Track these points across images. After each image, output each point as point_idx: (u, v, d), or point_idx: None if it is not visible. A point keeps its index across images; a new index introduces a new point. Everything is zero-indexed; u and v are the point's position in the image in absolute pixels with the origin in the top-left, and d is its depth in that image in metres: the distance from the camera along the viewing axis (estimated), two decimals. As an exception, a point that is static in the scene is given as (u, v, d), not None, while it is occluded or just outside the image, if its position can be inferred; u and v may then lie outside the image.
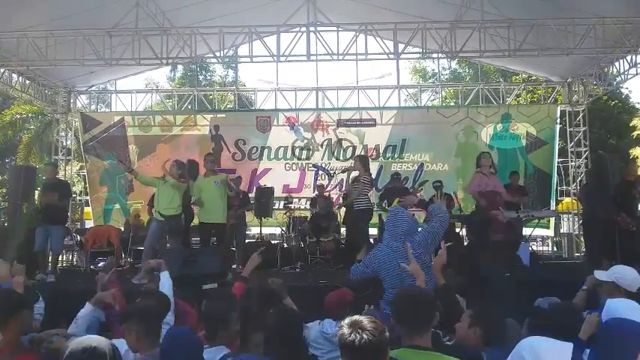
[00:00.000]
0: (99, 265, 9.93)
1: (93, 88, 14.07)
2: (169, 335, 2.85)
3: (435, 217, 4.58)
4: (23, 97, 12.48)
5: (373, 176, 12.38)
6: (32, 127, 20.17)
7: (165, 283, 4.13)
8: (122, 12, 9.26)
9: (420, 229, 4.66)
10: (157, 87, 21.18)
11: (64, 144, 13.85)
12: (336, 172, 12.33)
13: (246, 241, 10.34)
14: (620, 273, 3.68)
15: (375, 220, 9.94)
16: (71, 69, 11.40)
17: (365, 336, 2.12)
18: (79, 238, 11.02)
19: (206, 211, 8.13)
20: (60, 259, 9.77)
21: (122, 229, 11.01)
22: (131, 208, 12.35)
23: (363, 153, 12.48)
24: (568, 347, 2.44)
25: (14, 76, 11.52)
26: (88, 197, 13.34)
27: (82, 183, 13.82)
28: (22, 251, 7.86)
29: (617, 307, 2.90)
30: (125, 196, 12.92)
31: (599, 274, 3.81)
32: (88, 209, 13.58)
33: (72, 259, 11.43)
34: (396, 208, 4.73)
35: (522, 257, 8.17)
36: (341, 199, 10.87)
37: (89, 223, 13.00)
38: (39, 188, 8.85)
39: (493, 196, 7.92)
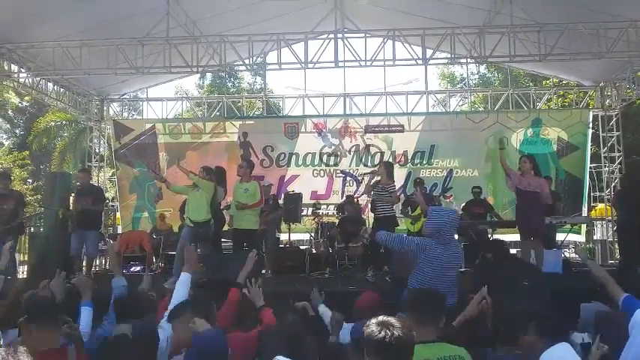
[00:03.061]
0: (131, 269, 10.10)
1: (125, 96, 14.36)
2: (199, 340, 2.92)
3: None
4: (58, 105, 12.83)
5: (402, 182, 12.46)
6: (66, 134, 20.66)
7: (182, 284, 4.00)
8: (153, 21, 9.45)
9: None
10: (187, 94, 21.49)
11: (97, 151, 14.17)
12: (364, 177, 12.31)
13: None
14: None
15: (402, 226, 9.94)
16: (104, 77, 11.67)
17: (396, 332, 2.16)
18: (112, 242, 11.23)
19: (237, 217, 8.21)
20: (94, 263, 9.94)
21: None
22: (157, 215, 12.52)
23: (390, 159, 12.45)
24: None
25: (49, 84, 11.83)
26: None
27: (115, 189, 14.09)
28: (58, 256, 8.04)
29: None
30: (154, 203, 13.11)
31: None
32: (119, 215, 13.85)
33: (105, 263, 11.64)
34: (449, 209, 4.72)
35: (554, 264, 8.02)
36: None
37: (122, 229, 13.24)
38: (73, 194, 9.04)
39: (532, 198, 7.54)
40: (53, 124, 19.35)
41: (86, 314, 3.87)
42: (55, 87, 12.06)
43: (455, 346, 2.72)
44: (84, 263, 8.71)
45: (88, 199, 8.46)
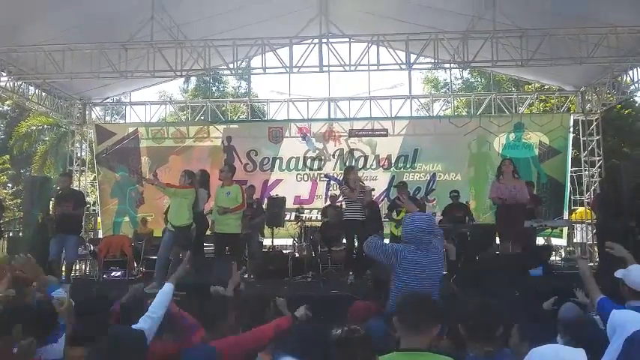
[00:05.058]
0: (112, 274, 10.01)
1: (108, 100, 14.26)
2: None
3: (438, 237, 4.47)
4: (39, 109, 12.69)
5: (385, 186, 12.55)
6: (47, 138, 20.45)
7: (162, 293, 3.76)
8: (137, 25, 9.39)
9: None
10: (171, 99, 21.38)
11: (79, 155, 14.04)
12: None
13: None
14: (629, 270, 3.56)
15: (386, 230, 9.98)
16: (86, 81, 11.56)
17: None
18: (92, 247, 11.12)
19: (219, 221, 8.17)
20: (73, 268, 9.83)
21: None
22: (139, 219, 12.45)
23: (374, 163, 12.55)
24: (581, 353, 2.42)
25: (31, 88, 11.70)
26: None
27: (96, 193, 13.96)
28: (36, 260, 7.92)
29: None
30: (135, 208, 13.02)
31: (618, 273, 3.73)
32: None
33: (85, 268, 11.52)
34: (425, 214, 4.70)
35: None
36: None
37: (102, 233, 13.12)
38: (53, 198, 8.94)
39: (512, 207, 7.84)
40: (34, 128, 19.17)
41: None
42: (37, 91, 11.93)
43: (441, 356, 2.64)
44: (63, 268, 8.60)
45: (68, 204, 8.36)
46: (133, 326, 3.25)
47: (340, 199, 12.04)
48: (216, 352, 3.00)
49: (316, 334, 2.88)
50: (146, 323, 3.32)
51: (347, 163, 12.98)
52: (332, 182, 12.93)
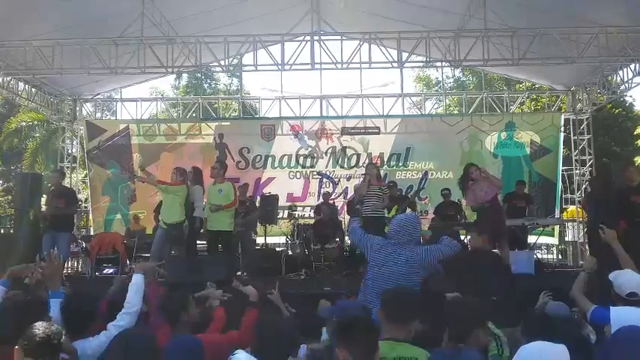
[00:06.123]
0: (104, 271, 9.97)
1: (98, 96, 14.16)
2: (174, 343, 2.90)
3: (446, 245, 4.41)
4: (29, 105, 12.58)
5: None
6: (38, 134, 20.24)
7: (133, 285, 3.66)
8: (128, 21, 9.32)
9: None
10: (162, 95, 21.28)
11: (70, 152, 13.94)
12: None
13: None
14: (618, 273, 3.60)
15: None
16: (77, 77, 11.48)
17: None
18: (84, 244, 11.06)
19: (211, 219, 8.15)
20: (65, 265, 9.78)
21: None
22: (131, 217, 12.39)
23: (367, 161, 12.53)
24: (563, 350, 2.46)
25: (20, 84, 11.60)
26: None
27: (88, 190, 13.88)
28: (28, 258, 7.88)
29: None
30: (127, 205, 12.94)
31: (611, 275, 3.74)
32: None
33: (77, 265, 11.46)
34: (411, 214, 4.73)
35: (527, 265, 8.16)
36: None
37: (93, 231, 13.04)
38: (45, 195, 8.88)
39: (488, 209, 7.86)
40: (24, 124, 18.93)
41: (55, 308, 3.24)
42: (27, 87, 11.82)
43: (416, 348, 2.72)
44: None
45: (60, 201, 8.32)
46: (112, 324, 3.26)
47: (333, 196, 12.16)
48: (202, 344, 3.00)
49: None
50: (124, 320, 3.32)
51: (339, 161, 13.03)
52: (324, 180, 12.94)
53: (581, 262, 11.82)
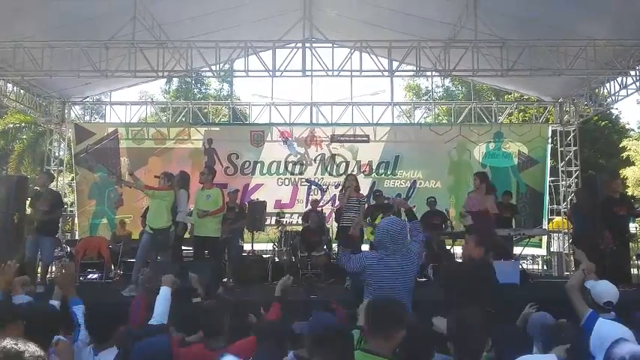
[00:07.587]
0: (88, 276, 9.87)
1: (87, 99, 14.08)
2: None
3: (415, 238, 4.52)
4: (17, 106, 12.48)
5: (366, 192, 12.53)
6: (25, 137, 20.10)
7: (161, 298, 3.89)
8: (119, 24, 9.28)
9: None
10: (152, 99, 21.20)
11: (57, 154, 13.82)
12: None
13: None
14: (596, 283, 3.73)
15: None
16: (66, 80, 11.41)
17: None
18: (69, 249, 10.96)
19: (198, 224, 8.10)
20: (49, 270, 9.67)
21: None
22: (117, 221, 12.27)
23: (355, 169, 12.54)
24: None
25: (9, 85, 11.50)
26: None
27: (74, 194, 13.75)
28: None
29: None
30: (114, 210, 12.81)
31: (587, 283, 3.80)
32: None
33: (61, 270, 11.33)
34: (391, 218, 4.71)
35: (512, 275, 8.18)
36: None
37: (79, 235, 12.91)
38: (30, 198, 8.79)
39: (481, 218, 7.92)
40: (12, 126, 18.84)
41: (80, 314, 3.35)
42: (15, 88, 11.72)
43: None
44: (39, 270, 8.45)
45: (45, 205, 8.22)
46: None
47: (321, 204, 12.14)
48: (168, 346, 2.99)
49: None
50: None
51: (328, 169, 13.03)
52: (313, 187, 12.93)
53: (566, 273, 11.94)
